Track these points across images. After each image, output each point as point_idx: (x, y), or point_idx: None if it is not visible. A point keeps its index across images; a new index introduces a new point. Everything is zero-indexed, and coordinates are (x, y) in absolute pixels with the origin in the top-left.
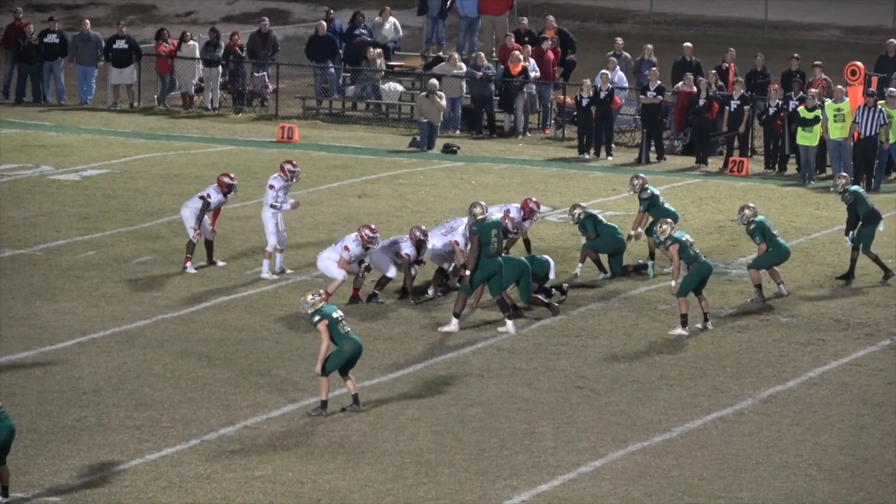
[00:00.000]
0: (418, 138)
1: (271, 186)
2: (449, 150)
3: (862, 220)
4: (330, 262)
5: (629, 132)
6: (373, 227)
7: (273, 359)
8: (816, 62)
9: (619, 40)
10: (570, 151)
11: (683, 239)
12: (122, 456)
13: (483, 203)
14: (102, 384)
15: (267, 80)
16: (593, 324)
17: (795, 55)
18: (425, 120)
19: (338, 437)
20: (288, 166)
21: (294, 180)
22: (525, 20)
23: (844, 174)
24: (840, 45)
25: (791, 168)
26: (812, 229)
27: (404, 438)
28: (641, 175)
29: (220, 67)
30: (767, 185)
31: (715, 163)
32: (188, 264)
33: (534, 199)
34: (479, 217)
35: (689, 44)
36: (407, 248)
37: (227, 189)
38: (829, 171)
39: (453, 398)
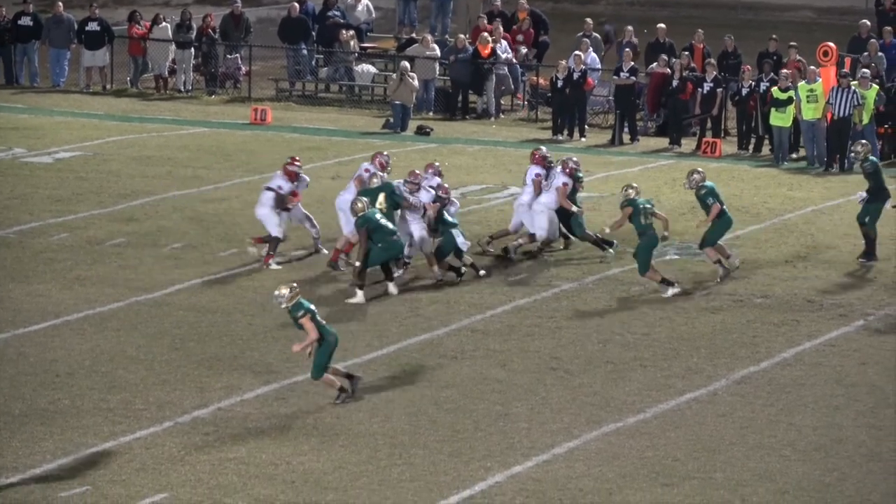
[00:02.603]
0: (391, 120)
1: (280, 188)
2: (422, 131)
3: (871, 194)
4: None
5: (603, 113)
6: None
7: (247, 340)
8: (792, 43)
9: (589, 21)
10: (544, 133)
11: (640, 205)
12: (96, 438)
13: (365, 199)
14: (76, 367)
15: (240, 62)
16: (567, 305)
17: (773, 37)
18: (398, 102)
19: (312, 419)
20: (293, 167)
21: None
22: (498, 1)
23: (864, 141)
24: (813, 27)
25: (765, 149)
26: (785, 210)
27: (378, 420)
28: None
29: (192, 49)
30: (741, 166)
31: (688, 144)
32: (270, 261)
33: (574, 159)
34: (361, 213)
35: (662, 25)
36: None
37: (293, 177)
38: (801, 152)
39: (427, 380)
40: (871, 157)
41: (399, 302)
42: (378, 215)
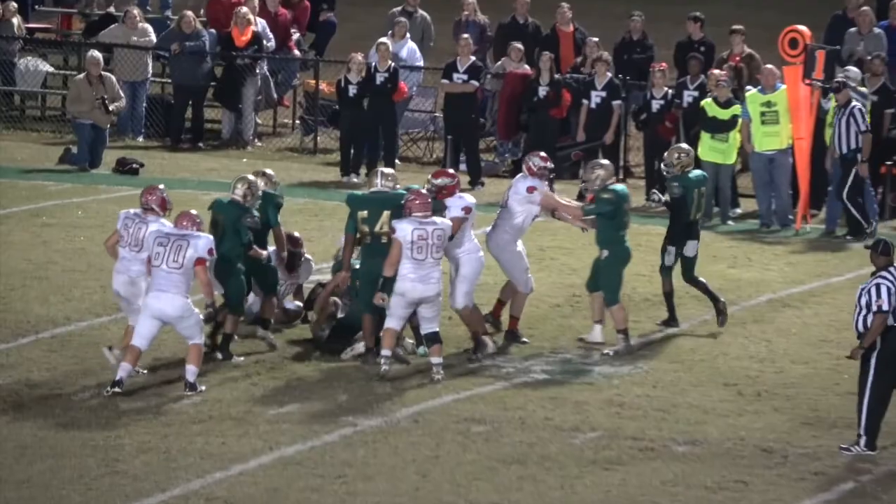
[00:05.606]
0: (74, 149)
1: None
2: (126, 168)
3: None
4: None
5: (425, 140)
6: None
7: None
8: (735, 26)
9: None
10: (329, 172)
11: None
12: None
13: None
14: None
15: None
16: None
17: (697, 14)
18: (87, 120)
19: None
20: None
21: None
22: None
23: (685, 146)
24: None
25: None
26: (739, 297)
27: None
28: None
29: None
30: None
31: (567, 190)
32: None
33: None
34: None
35: None
36: None
37: None
38: (748, 205)
39: None
40: (693, 174)
41: None
42: None
